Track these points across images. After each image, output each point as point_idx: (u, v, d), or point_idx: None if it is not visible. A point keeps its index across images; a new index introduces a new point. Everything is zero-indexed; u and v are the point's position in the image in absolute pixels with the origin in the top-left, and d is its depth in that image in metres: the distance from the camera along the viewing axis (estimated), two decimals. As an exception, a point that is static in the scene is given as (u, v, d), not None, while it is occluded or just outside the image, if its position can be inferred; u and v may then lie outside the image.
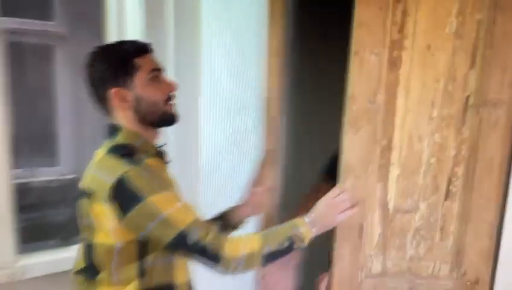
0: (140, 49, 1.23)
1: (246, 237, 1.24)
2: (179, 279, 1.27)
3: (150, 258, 1.20)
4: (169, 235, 1.13)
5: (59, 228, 2.44)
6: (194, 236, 1.13)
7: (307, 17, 2.01)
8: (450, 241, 1.37)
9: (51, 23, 2.64)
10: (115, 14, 2.00)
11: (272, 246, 1.22)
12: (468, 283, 1.37)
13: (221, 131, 1.87)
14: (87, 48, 1.22)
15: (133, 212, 1.11)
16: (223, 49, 1.78)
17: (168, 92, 1.26)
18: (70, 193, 2.49)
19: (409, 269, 1.40)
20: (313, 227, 1.26)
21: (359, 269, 1.40)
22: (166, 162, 1.31)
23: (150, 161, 1.19)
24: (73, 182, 2.33)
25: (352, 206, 1.32)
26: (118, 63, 1.20)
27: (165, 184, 1.19)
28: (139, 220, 1.13)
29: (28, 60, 2.63)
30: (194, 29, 1.74)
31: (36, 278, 1.87)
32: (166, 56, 1.81)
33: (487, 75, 1.27)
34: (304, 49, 2.03)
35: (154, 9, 1.88)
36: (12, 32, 2.22)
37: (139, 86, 1.21)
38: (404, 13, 1.28)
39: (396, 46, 1.30)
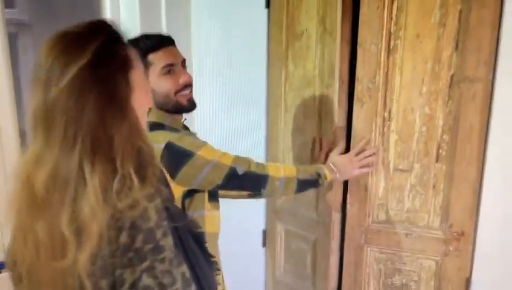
0: (154, 46, 1.34)
1: (283, 165, 1.54)
2: (209, 229, 1.44)
3: (190, 212, 1.39)
4: (222, 174, 1.34)
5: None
6: (241, 167, 1.36)
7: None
8: (440, 197, 1.62)
9: (13, 10, 2.56)
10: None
11: (305, 176, 1.50)
12: (455, 234, 1.60)
13: (218, 122, 2.00)
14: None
15: (186, 167, 1.31)
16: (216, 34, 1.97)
17: (180, 84, 1.37)
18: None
19: (408, 218, 1.69)
20: (334, 172, 1.58)
21: (366, 215, 1.74)
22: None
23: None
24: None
25: (368, 166, 1.68)
26: None
27: (202, 141, 1.40)
28: (193, 172, 1.32)
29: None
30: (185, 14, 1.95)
31: None
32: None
33: (466, 55, 1.50)
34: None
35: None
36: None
37: (152, 79, 1.34)
38: (399, 9, 1.59)
39: (393, 36, 1.61)
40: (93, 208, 0.77)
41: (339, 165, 1.61)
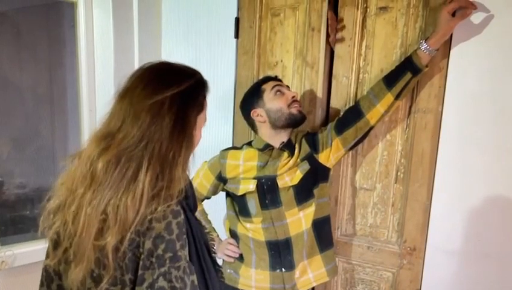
0: (265, 79, 1.77)
1: None
2: (239, 230, 1.79)
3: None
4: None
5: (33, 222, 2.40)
6: None
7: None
8: (398, 215, 1.80)
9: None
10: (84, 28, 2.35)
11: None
12: (408, 249, 1.76)
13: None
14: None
15: None
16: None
17: (289, 98, 1.70)
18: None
19: (371, 233, 1.87)
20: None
21: (335, 229, 1.93)
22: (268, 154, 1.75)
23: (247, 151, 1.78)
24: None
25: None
26: (251, 92, 1.77)
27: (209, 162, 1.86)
28: None
29: None
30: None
31: (19, 267, 2.07)
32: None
33: (420, 89, 1.70)
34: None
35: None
36: None
37: (267, 101, 1.71)
38: (367, 47, 1.82)
39: (362, 70, 1.84)
40: (135, 200, 0.90)
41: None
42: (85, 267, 0.95)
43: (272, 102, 1.70)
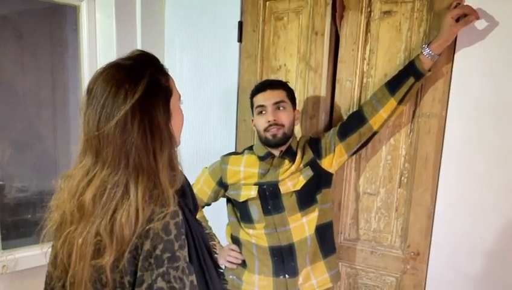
0: (256, 90, 1.72)
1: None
2: (242, 236, 1.78)
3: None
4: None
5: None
6: None
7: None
8: (401, 219, 1.79)
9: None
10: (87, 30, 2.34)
11: None
12: (412, 254, 1.75)
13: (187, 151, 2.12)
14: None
15: None
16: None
17: (265, 123, 1.66)
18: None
19: (374, 238, 1.86)
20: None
21: (339, 233, 1.93)
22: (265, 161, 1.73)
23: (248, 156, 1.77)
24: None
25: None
26: (249, 99, 1.77)
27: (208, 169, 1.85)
28: None
29: None
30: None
31: (21, 271, 2.07)
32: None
33: (424, 94, 1.70)
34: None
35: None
36: None
37: (254, 116, 1.73)
38: (371, 51, 1.82)
39: (365, 74, 1.84)
40: (130, 217, 0.90)
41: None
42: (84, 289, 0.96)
43: (256, 119, 1.72)
